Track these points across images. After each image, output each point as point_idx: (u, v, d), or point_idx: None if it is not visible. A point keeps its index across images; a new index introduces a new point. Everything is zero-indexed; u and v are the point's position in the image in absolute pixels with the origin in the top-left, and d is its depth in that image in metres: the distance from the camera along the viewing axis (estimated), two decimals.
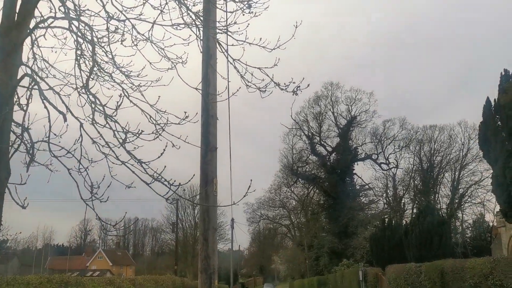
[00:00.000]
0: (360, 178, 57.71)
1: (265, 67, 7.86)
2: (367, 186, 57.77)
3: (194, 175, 6.32)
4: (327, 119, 58.23)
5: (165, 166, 5.56)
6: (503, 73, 20.59)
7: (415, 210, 53.52)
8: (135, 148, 5.85)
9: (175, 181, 5.52)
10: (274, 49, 7.91)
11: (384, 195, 58.67)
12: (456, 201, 54.49)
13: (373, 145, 58.15)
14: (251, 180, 5.59)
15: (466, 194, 54.27)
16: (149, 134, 6.19)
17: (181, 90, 7.61)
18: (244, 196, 5.87)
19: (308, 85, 7.70)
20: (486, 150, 21.44)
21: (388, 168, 57.95)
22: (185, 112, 6.54)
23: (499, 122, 20.33)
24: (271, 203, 65.77)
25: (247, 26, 7.10)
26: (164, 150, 5.62)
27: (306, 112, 57.93)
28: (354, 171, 56.38)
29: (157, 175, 5.55)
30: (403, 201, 57.14)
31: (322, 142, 58.50)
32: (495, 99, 20.66)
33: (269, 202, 65.72)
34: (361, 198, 57.81)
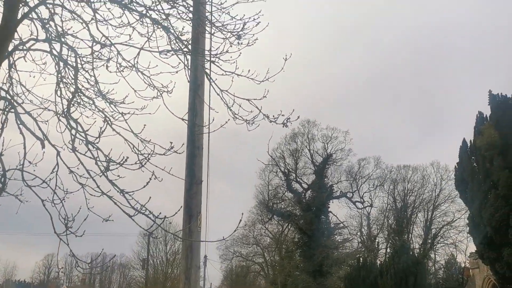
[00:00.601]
0: (335, 216, 57.60)
1: (254, 99, 7.67)
2: (342, 225, 57.61)
3: (181, 207, 5.95)
4: (303, 156, 58.45)
5: (150, 197, 5.19)
6: (478, 115, 21.08)
7: (389, 250, 53.47)
8: (116, 178, 5.48)
9: (160, 213, 5.14)
10: (263, 81, 7.75)
11: (359, 233, 58.58)
12: (429, 241, 54.79)
13: (348, 183, 58.43)
14: (242, 213, 5.28)
15: (439, 234, 54.75)
16: (131, 164, 5.84)
17: (167, 118, 7.32)
18: (235, 230, 5.53)
19: (298, 117, 7.52)
20: (462, 190, 21.66)
21: (362, 206, 58.16)
22: (171, 143, 6.20)
23: (474, 164, 20.65)
24: (245, 240, 64.67)
25: (239, 55, 6.92)
26: (149, 181, 5.26)
27: (282, 149, 58.08)
28: (329, 209, 56.26)
29: (141, 206, 5.16)
30: (377, 240, 57.12)
31: (298, 179, 58.42)
32: (470, 141, 21.08)
33: (242, 239, 64.62)
34: (336, 236, 57.51)
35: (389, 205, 57.27)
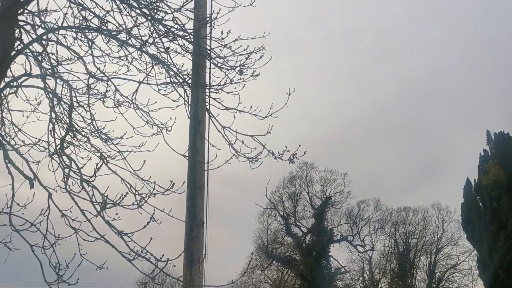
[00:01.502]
0: (336, 260, 56.11)
1: (258, 135, 7.34)
2: (343, 269, 56.05)
3: (184, 251, 5.47)
4: (302, 199, 57.64)
5: (151, 238, 4.72)
6: (482, 154, 20.82)
7: None
8: (113, 219, 5.03)
9: (163, 255, 4.67)
10: (266, 117, 7.46)
11: (361, 278, 56.88)
12: (434, 285, 53.21)
13: (348, 227, 57.31)
14: (251, 253, 4.83)
15: (443, 278, 53.22)
16: (129, 205, 5.41)
17: (166, 155, 6.96)
18: (244, 273, 5.04)
19: (305, 153, 7.16)
20: (469, 231, 21.07)
21: (364, 250, 56.79)
22: (171, 181, 5.79)
23: (480, 203, 20.19)
24: (244, 287, 62.70)
25: (243, 87, 6.65)
26: (149, 221, 4.81)
27: (281, 192, 57.33)
28: (330, 253, 54.89)
29: (141, 249, 4.69)
30: (380, 285, 55.41)
31: (297, 223, 57.37)
32: (475, 180, 20.73)
33: (241, 286, 62.65)
34: (338, 282, 55.82)
35: (391, 248, 56.00)
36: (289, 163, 7.18)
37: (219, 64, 7.14)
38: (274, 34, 7.99)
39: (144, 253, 4.81)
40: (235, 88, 6.61)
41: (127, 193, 4.85)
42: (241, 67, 7.13)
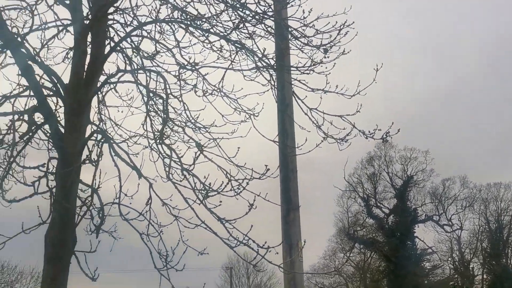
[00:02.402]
0: (422, 241, 54.07)
1: (347, 115, 7.12)
2: (430, 250, 53.92)
3: (283, 241, 5.47)
4: (382, 179, 55.99)
5: (251, 226, 4.75)
6: None
7: (486, 276, 49.19)
8: (214, 206, 5.11)
9: (265, 242, 4.67)
10: (354, 95, 7.21)
11: (450, 259, 54.41)
12: None
13: (433, 206, 54.90)
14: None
15: None
16: (227, 191, 5.46)
17: (256, 140, 6.96)
18: (346, 261, 4.93)
19: (399, 130, 6.84)
20: None
21: (451, 230, 54.21)
22: (266, 166, 5.75)
23: None
24: (326, 270, 62.48)
25: (333, 66, 6.45)
26: (250, 207, 4.82)
27: (359, 174, 56.09)
28: (415, 234, 53.02)
29: (243, 236, 4.73)
30: (471, 265, 52.69)
31: (379, 204, 55.92)
32: None
33: (323, 269, 62.52)
34: (425, 263, 53.85)
35: (481, 227, 52.96)
36: (383, 142, 6.91)
37: (303, 45, 6.99)
38: (356, 9, 7.69)
39: (246, 240, 4.84)
40: (326, 67, 6.42)
41: (229, 181, 4.89)
42: (326, 45, 6.94)
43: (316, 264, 61.73)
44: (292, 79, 7.13)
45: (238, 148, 5.64)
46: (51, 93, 6.02)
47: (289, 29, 7.00)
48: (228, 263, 51.34)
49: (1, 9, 5.10)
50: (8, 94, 6.02)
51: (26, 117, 5.26)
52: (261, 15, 6.41)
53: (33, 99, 6.08)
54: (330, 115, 7.19)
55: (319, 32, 6.89)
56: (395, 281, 49.95)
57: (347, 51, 6.55)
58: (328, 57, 7.03)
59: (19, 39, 4.98)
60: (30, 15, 5.85)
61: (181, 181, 5.05)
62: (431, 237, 64.16)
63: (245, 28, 6.40)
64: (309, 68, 6.42)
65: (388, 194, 56.16)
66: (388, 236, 52.76)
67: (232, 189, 5.49)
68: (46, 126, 5.76)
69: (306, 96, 6.88)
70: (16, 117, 5.37)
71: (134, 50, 6.52)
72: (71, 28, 6.81)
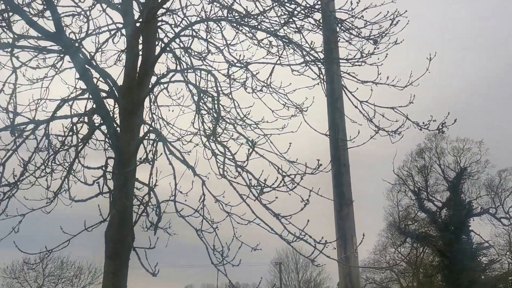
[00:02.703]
0: (478, 235, 52.01)
1: (399, 106, 6.94)
2: (487, 244, 51.82)
3: (338, 238, 5.41)
4: (433, 172, 54.25)
5: (308, 221, 4.72)
6: None
7: None
8: (269, 202, 5.12)
9: (322, 238, 4.63)
10: (406, 86, 7.01)
11: (508, 253, 52.11)
12: None
13: (489, 198, 52.66)
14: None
15: None
16: (279, 186, 5.45)
17: (307, 135, 6.91)
18: (405, 258, 4.81)
19: (455, 121, 6.60)
20: None
21: (510, 223, 51.85)
22: (318, 160, 5.70)
23: None
24: (377, 265, 61.37)
25: (386, 56, 6.31)
26: (306, 203, 4.80)
27: (409, 166, 54.59)
28: (470, 228, 51.12)
29: (300, 231, 4.71)
30: None
31: (430, 197, 54.27)
32: None
33: (374, 264, 61.43)
34: (481, 257, 51.83)
35: None
36: (438, 133, 6.68)
37: (352, 37, 6.88)
38: None
39: (302, 235, 4.82)
40: (378, 58, 6.29)
41: (283, 178, 4.89)
42: (375, 36, 6.80)
43: (366, 259, 60.62)
44: (342, 72, 7.02)
45: (290, 143, 5.62)
46: (106, 95, 6.23)
47: (337, 21, 6.90)
48: (277, 259, 51.50)
49: (60, 15, 5.30)
50: (66, 98, 6.28)
51: (85, 119, 5.46)
52: (309, 8, 6.35)
53: (89, 101, 6.33)
54: (382, 107, 7.04)
55: (368, 23, 6.76)
56: (450, 276, 48.40)
57: (399, 41, 6.36)
58: (378, 48, 6.88)
59: (76, 44, 5.17)
60: (85, 20, 6.06)
61: (235, 177, 5.09)
62: (488, 231, 61.54)
63: (293, 22, 6.36)
64: (360, 60, 6.29)
65: (440, 187, 54.36)
66: (441, 230, 51.13)
67: (285, 185, 5.49)
68: (103, 128, 5.96)
69: (357, 89, 6.76)
70: (75, 119, 5.60)
71: (184, 50, 6.62)
72: (122, 31, 7.03)
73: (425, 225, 54.98)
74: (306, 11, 6.33)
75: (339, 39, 7.03)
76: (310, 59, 6.64)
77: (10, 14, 4.75)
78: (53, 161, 5.76)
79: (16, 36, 4.89)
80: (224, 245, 5.41)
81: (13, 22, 4.98)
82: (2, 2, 4.57)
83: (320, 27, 6.90)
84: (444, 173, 54.06)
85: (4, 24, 4.71)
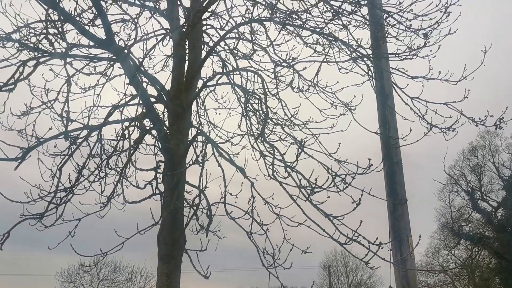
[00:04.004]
0: None
1: (453, 102, 6.65)
2: None
3: (393, 239, 5.22)
4: (487, 170, 51.99)
5: (361, 221, 4.57)
6: None
7: None
8: (320, 203, 5.02)
9: (376, 239, 4.48)
10: (459, 80, 6.71)
11: None
12: None
13: None
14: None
15: None
16: (329, 187, 5.33)
17: (356, 133, 6.75)
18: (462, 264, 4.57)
19: None
20: None
21: None
22: (369, 160, 5.53)
23: None
24: (430, 268, 59.39)
25: (438, 48, 6.06)
26: (358, 203, 4.66)
27: (461, 165, 52.59)
28: None
29: (353, 232, 4.58)
30: None
31: (485, 197, 52.07)
32: None
33: (426, 267, 59.50)
34: None
35: None
36: (496, 129, 6.34)
37: (401, 31, 6.66)
38: None
39: (355, 236, 4.68)
40: (431, 50, 6.05)
41: (333, 178, 4.76)
42: (425, 29, 6.55)
43: (418, 262, 58.94)
44: (391, 68, 6.81)
45: (339, 143, 5.49)
46: (155, 100, 6.33)
47: (385, 16, 6.70)
48: (326, 261, 50.92)
49: (110, 23, 5.43)
50: (117, 104, 6.43)
51: (137, 123, 5.56)
52: (355, 3, 6.19)
53: (139, 106, 6.45)
54: (434, 103, 6.77)
55: (417, 16, 6.52)
56: (509, 279, 46.16)
57: (452, 31, 6.09)
58: (428, 41, 6.63)
59: (125, 50, 5.28)
60: (133, 28, 6.18)
61: (285, 178, 5.01)
62: None
63: (339, 19, 6.23)
64: (411, 53, 6.07)
65: (496, 186, 51.98)
66: (498, 231, 48.89)
67: (335, 185, 5.36)
68: (153, 132, 6.05)
69: (407, 85, 6.53)
70: (126, 124, 5.71)
71: (230, 52, 6.63)
72: (169, 36, 7.13)
73: (480, 226, 52.75)
74: (352, 6, 6.17)
75: (387, 34, 6.83)
76: (357, 56, 6.47)
77: (64, 23, 4.91)
78: (106, 166, 5.90)
79: (69, 45, 5.05)
80: (275, 248, 5.34)
81: (66, 31, 5.15)
82: (56, 12, 4.73)
83: (367, 23, 6.72)
84: (499, 172, 51.65)
85: (57, 33, 4.88)
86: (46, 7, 4.64)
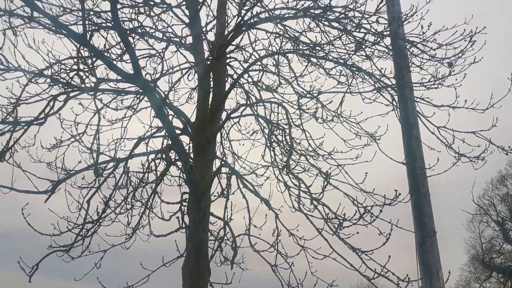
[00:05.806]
0: None
1: (481, 130, 6.55)
2: None
3: (423, 276, 5.06)
4: None
5: (389, 257, 4.47)
6: None
7: None
8: (347, 236, 4.93)
9: (407, 275, 4.35)
10: (487, 109, 6.62)
11: None
12: None
13: None
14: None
15: None
16: (356, 219, 5.24)
17: (377, 166, 6.67)
18: None
19: None
20: None
21: None
22: (396, 191, 5.45)
23: None
24: None
25: (464, 76, 6.01)
26: (386, 239, 4.55)
27: (490, 195, 51.15)
28: None
29: (381, 268, 4.46)
30: None
31: None
32: None
33: None
34: None
35: None
36: None
37: (425, 61, 6.64)
38: (479, 18, 7.14)
39: (384, 271, 4.56)
40: (456, 79, 6.00)
41: (362, 213, 4.69)
42: (450, 58, 6.52)
43: None
44: (416, 97, 6.77)
45: (366, 173, 5.42)
46: (180, 132, 6.41)
47: (408, 46, 6.71)
48: None
49: (138, 58, 5.59)
50: (143, 136, 6.54)
51: (163, 155, 5.63)
52: (378, 34, 6.23)
53: (165, 139, 6.54)
54: (461, 132, 6.67)
55: (442, 45, 6.51)
56: None
57: (477, 59, 6.05)
58: (453, 70, 6.59)
59: (152, 84, 5.40)
60: (159, 62, 6.34)
61: (312, 211, 4.95)
62: None
63: (362, 50, 6.26)
64: (437, 82, 6.02)
65: None
66: None
67: (362, 217, 5.27)
68: (178, 163, 6.10)
69: (434, 113, 6.46)
70: (152, 156, 5.78)
71: (254, 84, 6.71)
72: (193, 70, 7.28)
73: None
74: (375, 37, 6.21)
75: (411, 64, 6.82)
76: (381, 86, 6.47)
77: (94, 59, 5.07)
78: (133, 198, 5.96)
79: (98, 80, 5.20)
80: (299, 281, 5.25)
81: (96, 66, 5.32)
82: (86, 49, 4.90)
83: (390, 54, 6.73)
84: None
85: (88, 69, 5.04)
86: (77, 44, 4.81)
